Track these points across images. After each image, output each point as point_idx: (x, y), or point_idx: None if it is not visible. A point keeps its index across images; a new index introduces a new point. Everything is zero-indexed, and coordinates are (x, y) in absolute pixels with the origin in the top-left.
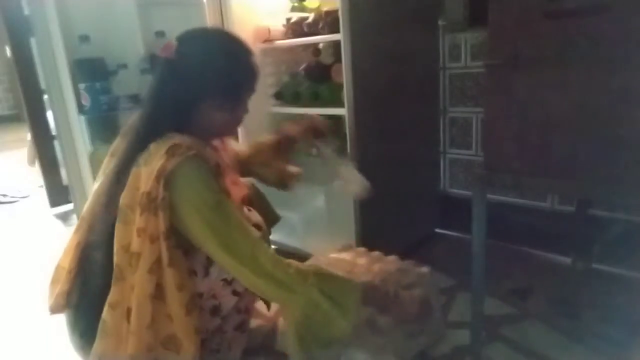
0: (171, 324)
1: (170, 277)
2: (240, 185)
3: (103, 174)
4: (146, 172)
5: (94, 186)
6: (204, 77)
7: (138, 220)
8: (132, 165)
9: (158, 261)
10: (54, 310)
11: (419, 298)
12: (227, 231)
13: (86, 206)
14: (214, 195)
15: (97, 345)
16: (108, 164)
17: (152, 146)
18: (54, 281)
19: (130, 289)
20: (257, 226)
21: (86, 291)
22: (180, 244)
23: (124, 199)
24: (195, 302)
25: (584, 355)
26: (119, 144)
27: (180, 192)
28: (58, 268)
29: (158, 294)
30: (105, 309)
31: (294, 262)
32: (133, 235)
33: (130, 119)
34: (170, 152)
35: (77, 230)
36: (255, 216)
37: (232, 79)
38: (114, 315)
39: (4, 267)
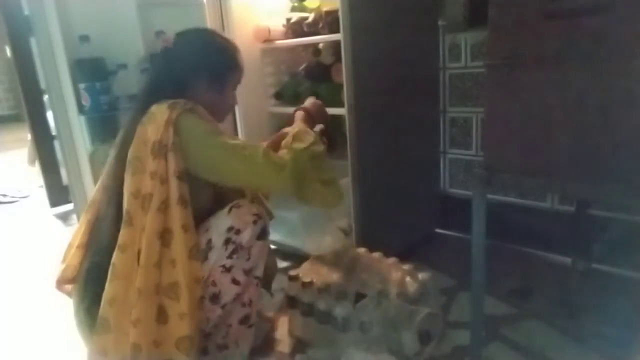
0: (174, 270)
1: (177, 216)
2: None
3: (108, 163)
4: (152, 127)
5: (101, 176)
6: (194, 60)
7: (151, 165)
8: (137, 126)
9: (166, 201)
10: (60, 282)
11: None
12: (237, 146)
13: (95, 189)
14: (212, 127)
15: (108, 290)
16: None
17: (153, 107)
18: (64, 259)
19: (141, 230)
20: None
21: (95, 264)
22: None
23: (131, 153)
24: (198, 250)
25: (584, 355)
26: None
27: (187, 132)
28: (69, 247)
29: (165, 240)
30: (116, 252)
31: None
32: (143, 181)
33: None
34: (172, 106)
35: (87, 210)
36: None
37: (217, 63)
38: (123, 258)
39: (4, 267)
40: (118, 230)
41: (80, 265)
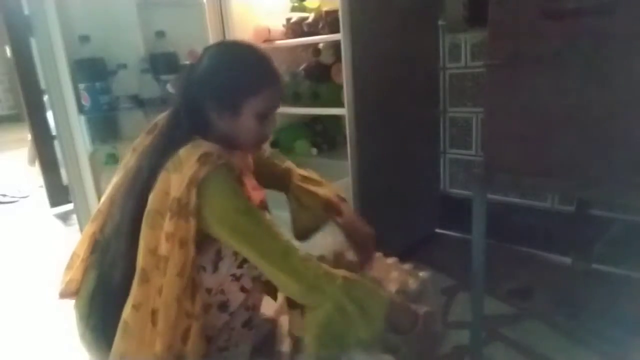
0: (187, 320)
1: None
2: (259, 190)
3: (124, 168)
4: (177, 179)
5: (113, 179)
6: (206, 79)
7: (167, 224)
8: (157, 167)
9: (186, 264)
10: (63, 295)
11: (432, 333)
12: (258, 235)
13: (103, 198)
14: (244, 202)
15: (118, 345)
16: (129, 159)
17: (182, 152)
18: (68, 267)
19: (156, 291)
20: None
21: (101, 286)
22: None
23: (152, 203)
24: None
25: (584, 355)
26: (142, 141)
27: (212, 199)
28: (73, 255)
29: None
30: (128, 310)
31: (323, 264)
32: (161, 239)
33: (158, 116)
34: (202, 160)
35: (93, 220)
36: None
37: (227, 85)
38: (137, 316)
39: (4, 267)
40: (129, 263)
41: (82, 280)
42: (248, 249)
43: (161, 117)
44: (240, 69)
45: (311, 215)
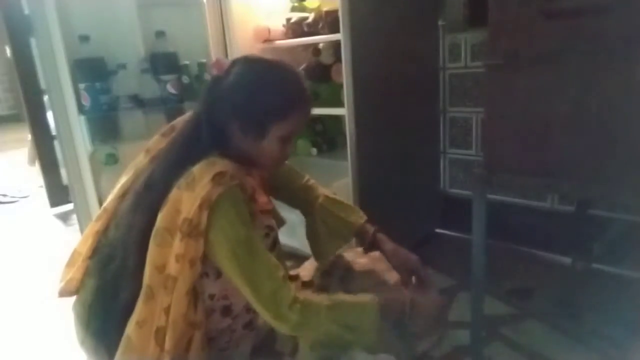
0: (191, 329)
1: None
2: (269, 204)
3: (133, 168)
4: (189, 198)
5: (121, 179)
6: (232, 97)
7: (177, 245)
8: (170, 182)
9: (193, 282)
10: (63, 294)
11: (435, 302)
12: (252, 267)
13: (110, 197)
14: (247, 231)
15: (120, 358)
16: (142, 160)
17: (196, 170)
18: (69, 264)
19: (161, 309)
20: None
21: (102, 295)
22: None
23: (161, 221)
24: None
25: (584, 355)
26: (156, 143)
27: (217, 220)
28: (75, 252)
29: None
30: (132, 326)
31: (307, 297)
32: (169, 258)
33: (178, 119)
34: (216, 179)
35: (98, 219)
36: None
37: (255, 109)
38: (140, 333)
39: (4, 267)
40: (134, 274)
41: (83, 280)
42: (240, 279)
43: (179, 120)
44: (271, 91)
45: (337, 239)
